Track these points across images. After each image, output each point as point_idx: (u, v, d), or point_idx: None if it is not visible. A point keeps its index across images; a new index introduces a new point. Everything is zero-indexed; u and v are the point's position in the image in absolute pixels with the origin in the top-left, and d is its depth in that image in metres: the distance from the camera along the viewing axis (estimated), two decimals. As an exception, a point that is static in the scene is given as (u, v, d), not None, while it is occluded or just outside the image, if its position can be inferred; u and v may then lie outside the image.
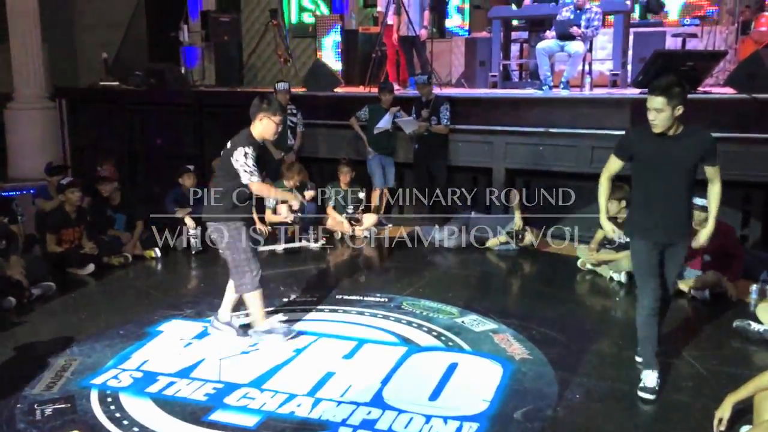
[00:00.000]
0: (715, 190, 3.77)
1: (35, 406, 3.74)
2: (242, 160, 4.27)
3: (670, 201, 3.69)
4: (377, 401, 3.76)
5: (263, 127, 4.36)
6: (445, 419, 3.55)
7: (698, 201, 5.41)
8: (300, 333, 4.68)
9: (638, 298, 3.89)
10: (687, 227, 3.79)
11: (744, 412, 3.33)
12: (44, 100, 10.06)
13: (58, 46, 10.51)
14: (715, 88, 7.56)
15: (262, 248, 7.01)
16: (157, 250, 6.77)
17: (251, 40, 12.11)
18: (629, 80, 8.53)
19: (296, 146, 8.03)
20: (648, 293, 3.80)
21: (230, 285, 4.60)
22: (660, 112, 3.49)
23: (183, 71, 10.62)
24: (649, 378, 3.83)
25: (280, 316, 4.98)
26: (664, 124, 3.52)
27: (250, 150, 4.28)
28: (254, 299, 4.51)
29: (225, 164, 4.37)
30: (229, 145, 4.40)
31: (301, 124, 8.05)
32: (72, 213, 6.37)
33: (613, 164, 3.89)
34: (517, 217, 6.92)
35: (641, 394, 3.79)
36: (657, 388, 3.80)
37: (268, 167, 7.85)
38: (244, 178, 4.30)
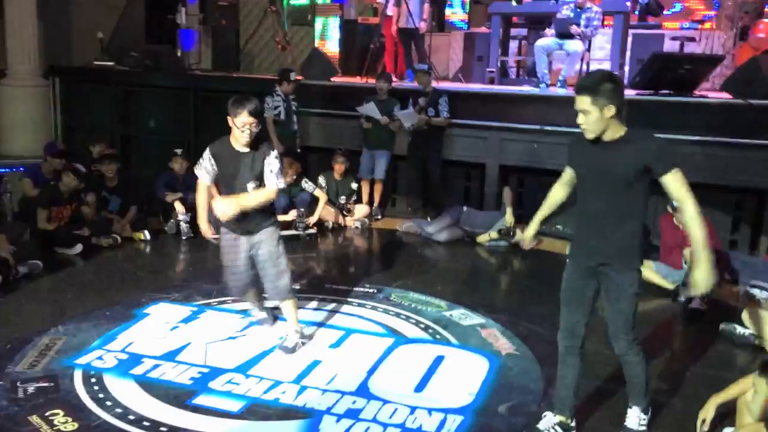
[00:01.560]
0: (687, 214, 2.97)
1: (18, 383, 3.71)
2: (276, 164, 3.98)
3: (605, 219, 3.07)
4: (363, 391, 3.76)
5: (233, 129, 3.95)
6: (430, 411, 3.55)
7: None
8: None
9: None
10: (627, 254, 3.08)
11: (727, 414, 3.35)
12: (37, 78, 9.94)
13: (53, 24, 10.38)
14: (712, 93, 7.57)
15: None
16: (146, 232, 6.74)
17: (249, 26, 12.03)
18: (626, 81, 8.54)
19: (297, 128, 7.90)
20: (561, 324, 3.30)
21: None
22: (587, 114, 2.94)
23: (179, 54, 10.54)
24: (545, 421, 3.39)
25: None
26: (594, 128, 2.96)
27: (206, 153, 4.04)
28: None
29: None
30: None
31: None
32: (65, 192, 6.34)
33: (565, 172, 3.39)
34: (509, 213, 6.92)
35: None
36: None
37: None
38: (273, 183, 4.00)
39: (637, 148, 2.96)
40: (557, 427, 3.30)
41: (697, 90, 7.24)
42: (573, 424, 3.39)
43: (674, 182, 2.94)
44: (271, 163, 3.95)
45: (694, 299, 5.24)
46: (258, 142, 3.97)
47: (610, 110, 2.92)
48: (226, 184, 4.05)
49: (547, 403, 3.69)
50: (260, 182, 3.99)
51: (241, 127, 3.84)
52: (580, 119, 2.99)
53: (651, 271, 5.57)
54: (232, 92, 6.56)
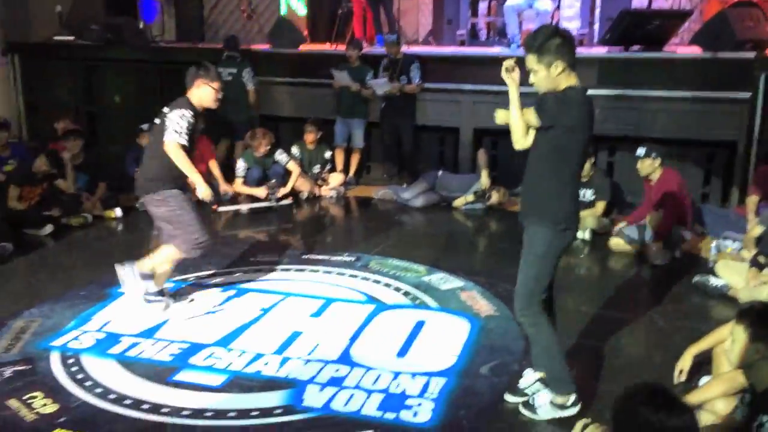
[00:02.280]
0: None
1: (-7, 368, 3.65)
2: (176, 119, 4.04)
3: (528, 175, 3.12)
4: (345, 359, 3.76)
5: (201, 93, 4.18)
6: (413, 375, 3.57)
7: (639, 151, 5.50)
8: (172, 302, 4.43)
9: None
10: (539, 210, 3.05)
11: (703, 363, 3.41)
12: (-4, 56, 9.63)
13: (9, -2, 10.03)
14: (681, 47, 7.60)
15: (227, 208, 6.91)
16: (118, 210, 6.61)
17: (213, -5, 11.72)
18: (596, 39, 8.52)
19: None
20: None
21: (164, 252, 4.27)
22: (535, 73, 2.90)
23: (141, 26, 10.24)
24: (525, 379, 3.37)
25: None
26: (542, 85, 2.91)
27: (188, 113, 4.08)
28: (173, 257, 4.27)
29: (160, 129, 4.10)
30: (165, 109, 4.16)
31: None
32: (38, 173, 6.24)
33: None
34: (484, 176, 6.92)
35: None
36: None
37: (237, 132, 7.71)
38: (167, 136, 4.01)
39: None
40: (537, 384, 3.33)
41: (667, 45, 7.25)
42: None
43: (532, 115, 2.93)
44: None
45: (656, 253, 5.33)
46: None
47: (557, 67, 2.86)
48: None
49: (528, 361, 3.72)
50: None
51: (217, 89, 4.18)
52: (530, 78, 2.94)
53: (616, 240, 5.63)
54: (198, 64, 6.42)
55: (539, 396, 3.25)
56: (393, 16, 9.02)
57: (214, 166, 7.19)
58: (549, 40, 2.86)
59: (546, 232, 3.04)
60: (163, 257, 4.28)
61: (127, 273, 4.27)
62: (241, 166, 7.11)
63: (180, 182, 4.19)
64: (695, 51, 6.86)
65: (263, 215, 6.85)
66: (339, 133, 7.77)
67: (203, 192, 4.22)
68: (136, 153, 7.02)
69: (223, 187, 7.11)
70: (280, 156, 7.11)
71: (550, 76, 2.88)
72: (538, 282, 3.09)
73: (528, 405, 3.26)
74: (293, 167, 7.13)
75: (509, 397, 3.37)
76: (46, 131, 7.94)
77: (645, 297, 4.95)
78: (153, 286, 4.33)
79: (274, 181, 7.01)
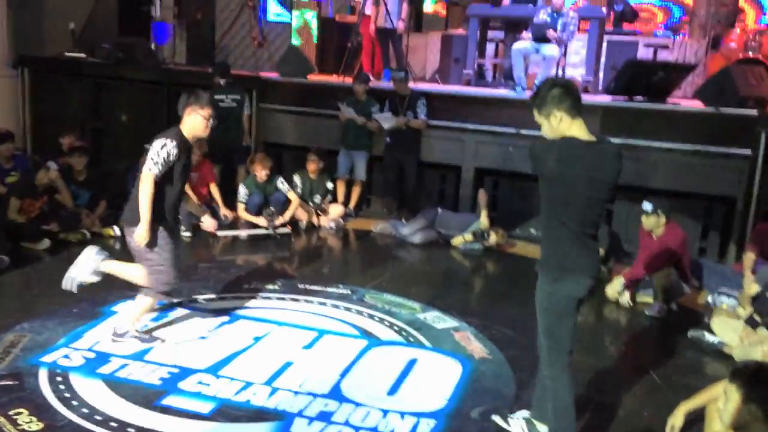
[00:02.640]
0: None
1: (-20, 382, 3.61)
2: (156, 148, 3.93)
3: (542, 227, 3.19)
4: (335, 393, 3.73)
5: (192, 122, 4.05)
6: (402, 414, 3.54)
7: (646, 206, 5.48)
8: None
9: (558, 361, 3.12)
10: (546, 263, 3.05)
11: (695, 421, 3.39)
12: (6, 68, 9.71)
13: (23, 13, 10.14)
14: (684, 101, 7.69)
15: (226, 233, 6.92)
16: (116, 228, 6.59)
17: (225, 20, 11.87)
18: (600, 87, 8.63)
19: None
20: None
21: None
22: (541, 125, 3.02)
23: (153, 47, 10.37)
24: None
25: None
26: (549, 136, 3.00)
27: (170, 144, 3.93)
28: (148, 303, 4.22)
29: (144, 159, 4.07)
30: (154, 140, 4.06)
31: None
32: (40, 186, 6.27)
33: None
34: (484, 216, 6.94)
35: None
36: None
37: (235, 155, 7.76)
38: (144, 166, 3.97)
39: None
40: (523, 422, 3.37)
41: (670, 97, 7.35)
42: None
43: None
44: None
45: (652, 306, 5.32)
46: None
47: (557, 117, 2.93)
48: (176, 178, 4.06)
49: (519, 406, 3.70)
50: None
51: (208, 117, 4.05)
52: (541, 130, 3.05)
53: (611, 289, 5.59)
54: (207, 88, 6.48)
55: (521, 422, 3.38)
56: (401, 51, 9.14)
57: (214, 190, 7.22)
58: (548, 92, 2.95)
59: (543, 283, 3.05)
60: (138, 311, 4.23)
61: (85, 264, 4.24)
62: (242, 191, 7.13)
63: (170, 215, 4.10)
64: (698, 105, 6.95)
65: (261, 242, 6.85)
66: (342, 164, 7.82)
67: (206, 224, 4.20)
68: (137, 172, 7.07)
69: (223, 211, 7.14)
70: (282, 185, 7.15)
71: (552, 126, 2.95)
72: (552, 337, 3.05)
73: (504, 417, 3.45)
74: (293, 197, 7.16)
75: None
76: (51, 145, 7.96)
77: (640, 349, 4.93)
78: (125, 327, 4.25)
79: (272, 208, 7.02)
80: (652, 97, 7.11)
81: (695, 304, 5.61)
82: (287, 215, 7.11)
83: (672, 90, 7.41)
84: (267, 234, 6.95)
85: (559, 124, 2.94)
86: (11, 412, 3.33)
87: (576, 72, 8.90)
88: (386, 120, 7.48)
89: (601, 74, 8.91)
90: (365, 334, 4.59)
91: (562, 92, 2.94)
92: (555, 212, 2.97)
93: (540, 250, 3.13)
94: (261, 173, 7.06)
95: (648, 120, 6.90)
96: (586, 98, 8.08)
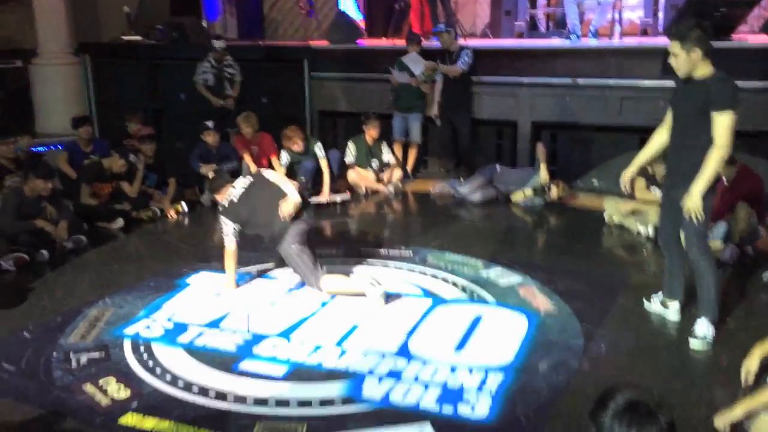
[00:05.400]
0: (710, 155, 3.49)
1: (71, 354, 3.85)
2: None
3: (680, 151, 3.71)
4: (403, 352, 3.80)
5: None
6: (471, 369, 3.59)
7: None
8: None
9: None
10: (688, 176, 3.58)
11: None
12: (69, 56, 10.04)
13: (80, 0, 10.45)
14: (750, 36, 7.31)
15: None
16: (183, 204, 6.83)
17: (273, -8, 11.93)
18: (660, 28, 8.29)
19: (234, 94, 8.10)
20: (659, 230, 4.22)
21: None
22: (676, 57, 3.55)
23: (204, 25, 10.53)
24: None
25: None
26: (682, 68, 3.56)
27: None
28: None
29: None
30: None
31: (239, 74, 8.12)
32: (109, 170, 6.50)
33: (666, 115, 3.86)
34: (543, 170, 6.83)
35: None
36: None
37: (211, 116, 7.81)
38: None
39: (708, 85, 3.51)
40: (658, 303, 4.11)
41: (736, 33, 7.00)
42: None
43: (717, 123, 3.46)
44: None
45: (723, 251, 5.10)
46: None
47: (695, 53, 3.49)
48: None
49: (588, 358, 3.70)
50: None
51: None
52: (672, 61, 3.58)
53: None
54: (258, 61, 6.53)
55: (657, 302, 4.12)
56: (450, 8, 9.00)
57: (276, 162, 7.34)
58: (691, 30, 3.49)
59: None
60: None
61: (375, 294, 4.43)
62: (284, 158, 7.18)
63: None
64: (766, 39, 6.59)
65: (321, 210, 6.95)
66: (397, 127, 7.81)
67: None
68: (200, 149, 7.27)
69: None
70: (319, 151, 7.10)
71: (689, 60, 3.51)
72: (703, 233, 3.77)
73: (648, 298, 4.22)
74: (323, 163, 7.08)
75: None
76: (116, 128, 8.23)
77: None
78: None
79: (302, 178, 6.95)
80: (717, 35, 6.77)
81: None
82: (325, 190, 7.00)
83: (737, 26, 7.05)
84: (329, 201, 7.00)
85: (698, 61, 3.50)
86: (100, 382, 3.55)
87: (634, 15, 8.58)
88: (413, 61, 7.41)
89: (660, 15, 8.55)
90: (429, 293, 4.64)
91: (704, 35, 3.49)
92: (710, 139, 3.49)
93: (681, 168, 3.68)
94: (298, 146, 7.06)
95: (714, 59, 6.58)
96: (645, 41, 7.83)
